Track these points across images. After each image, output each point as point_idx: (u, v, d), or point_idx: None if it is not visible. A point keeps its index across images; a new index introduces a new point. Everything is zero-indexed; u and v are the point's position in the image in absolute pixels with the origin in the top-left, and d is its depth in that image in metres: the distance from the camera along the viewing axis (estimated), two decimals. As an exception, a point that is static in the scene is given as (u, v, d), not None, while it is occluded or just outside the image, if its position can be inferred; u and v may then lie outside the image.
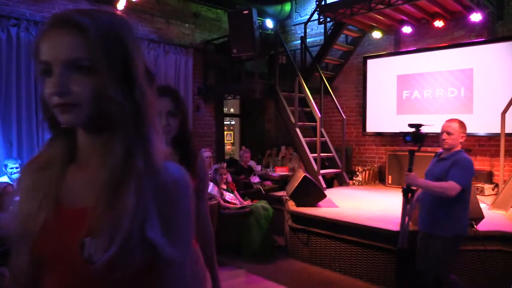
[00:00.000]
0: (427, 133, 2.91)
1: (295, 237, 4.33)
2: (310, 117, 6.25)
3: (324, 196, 4.46)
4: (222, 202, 4.52)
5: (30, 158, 0.80)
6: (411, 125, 2.88)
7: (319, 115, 5.78)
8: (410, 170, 2.79)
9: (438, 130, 2.85)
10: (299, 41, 6.98)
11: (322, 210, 4.23)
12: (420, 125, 2.85)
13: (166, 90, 1.54)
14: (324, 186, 5.43)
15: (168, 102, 1.49)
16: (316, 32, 7.37)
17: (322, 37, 6.74)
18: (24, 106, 5.01)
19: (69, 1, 5.37)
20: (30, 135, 5.08)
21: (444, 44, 5.78)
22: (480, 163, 5.55)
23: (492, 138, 5.34)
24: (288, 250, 4.41)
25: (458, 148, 2.76)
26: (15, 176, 4.15)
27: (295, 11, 7.91)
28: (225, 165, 5.20)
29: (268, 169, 6.65)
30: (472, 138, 5.53)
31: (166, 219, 0.71)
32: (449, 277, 2.77)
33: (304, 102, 6.12)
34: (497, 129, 4.70)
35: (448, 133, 2.74)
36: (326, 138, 6.21)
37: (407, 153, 2.92)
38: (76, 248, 0.67)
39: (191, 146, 1.58)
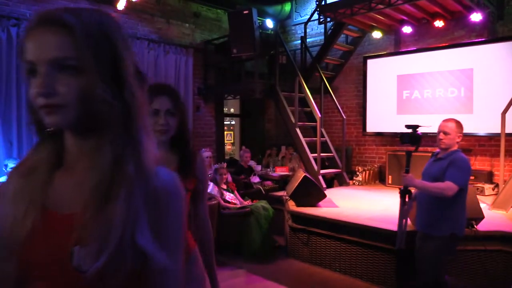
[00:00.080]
0: (425, 133, 2.91)
1: (295, 237, 4.33)
2: (310, 117, 6.25)
3: (324, 196, 4.46)
4: (222, 202, 4.52)
5: (17, 163, 0.77)
6: (408, 126, 2.89)
7: (319, 115, 5.77)
8: (407, 171, 2.80)
9: (436, 130, 2.85)
10: (299, 41, 6.98)
11: (322, 210, 4.23)
12: (417, 126, 2.86)
13: (165, 89, 1.51)
14: (324, 186, 5.43)
15: (167, 101, 1.47)
16: (316, 32, 7.37)
17: (322, 37, 6.74)
18: (24, 106, 5.00)
19: (69, 1, 5.36)
20: (30, 135, 5.08)
21: (444, 44, 5.77)
22: (480, 163, 5.55)
23: (492, 138, 5.34)
24: (288, 250, 4.41)
25: (455, 148, 2.76)
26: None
27: (295, 11, 7.91)
28: (225, 165, 5.20)
29: (268, 169, 6.65)
30: (472, 138, 5.53)
31: (156, 226, 0.69)
32: (443, 277, 2.78)
33: (304, 102, 6.12)
34: (497, 129, 4.70)
35: (445, 133, 2.73)
36: (326, 138, 6.21)
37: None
38: (64, 257, 0.65)
39: (190, 146, 1.56)
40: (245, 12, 5.88)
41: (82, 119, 0.68)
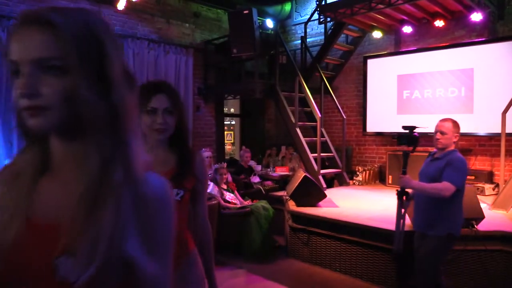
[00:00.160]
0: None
1: (295, 237, 4.32)
2: (310, 117, 6.25)
3: (324, 196, 4.46)
4: (222, 202, 4.52)
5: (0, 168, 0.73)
6: (405, 127, 2.89)
7: (319, 115, 5.77)
8: (404, 172, 2.79)
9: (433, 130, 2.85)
10: (299, 41, 6.97)
11: (322, 210, 4.23)
12: (414, 127, 2.86)
13: (162, 86, 1.48)
14: (325, 186, 5.42)
15: (165, 99, 1.44)
16: (316, 32, 7.36)
17: (322, 37, 6.74)
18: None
19: (69, 1, 5.36)
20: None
21: (444, 44, 5.77)
22: (480, 163, 5.55)
23: (493, 138, 5.33)
24: (288, 250, 4.41)
25: (452, 147, 2.76)
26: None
27: (295, 11, 7.91)
28: (225, 165, 5.20)
29: (268, 169, 6.65)
30: (473, 138, 5.53)
31: (145, 233, 0.66)
32: (440, 278, 2.78)
33: (304, 102, 6.11)
34: (497, 129, 4.70)
35: (442, 133, 2.73)
36: (327, 138, 6.21)
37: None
38: (50, 267, 0.62)
39: (189, 145, 1.53)
40: (245, 12, 5.88)
41: (67, 122, 0.65)
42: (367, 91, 6.58)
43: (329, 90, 6.22)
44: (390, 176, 5.98)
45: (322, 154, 5.80)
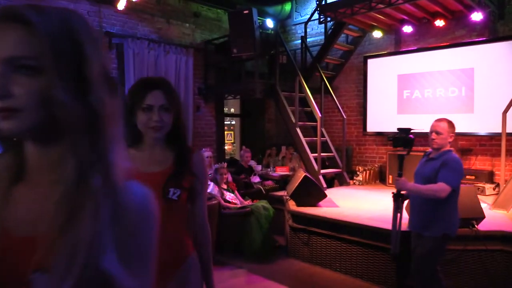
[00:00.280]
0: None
1: (295, 237, 4.32)
2: (311, 117, 6.24)
3: (325, 196, 4.46)
4: (222, 202, 4.52)
5: None
6: (400, 130, 2.89)
7: (320, 115, 5.77)
8: (400, 175, 2.80)
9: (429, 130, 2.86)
10: (300, 41, 6.97)
11: (322, 210, 4.23)
12: (409, 130, 2.86)
13: (158, 82, 1.42)
14: (325, 186, 5.42)
15: (160, 95, 1.38)
16: (316, 32, 7.36)
17: (323, 37, 6.73)
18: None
19: (69, 1, 5.36)
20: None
21: (445, 44, 5.77)
22: (481, 163, 5.54)
23: (493, 138, 5.33)
24: (288, 250, 4.41)
25: (447, 148, 2.76)
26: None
27: (295, 11, 7.91)
28: (225, 165, 5.20)
29: (269, 169, 6.65)
30: (473, 137, 5.53)
31: (124, 247, 0.62)
32: (439, 277, 2.79)
33: (304, 101, 6.11)
34: (498, 129, 4.69)
35: (437, 133, 2.73)
36: (327, 137, 6.21)
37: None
38: (24, 283, 0.58)
39: (187, 143, 1.48)
40: (245, 12, 5.88)
41: (42, 124, 0.61)
42: (367, 91, 6.57)
43: (329, 90, 6.21)
44: (390, 176, 5.97)
45: (322, 154, 5.80)
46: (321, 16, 6.04)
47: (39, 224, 0.59)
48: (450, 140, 2.75)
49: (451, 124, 2.76)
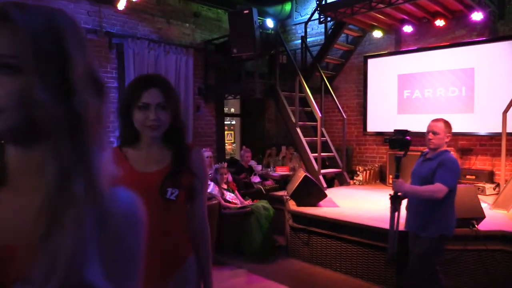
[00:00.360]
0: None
1: (295, 236, 4.32)
2: (311, 116, 6.24)
3: (325, 195, 4.46)
4: (222, 202, 4.52)
5: None
6: (397, 131, 2.89)
7: (320, 115, 5.77)
8: (397, 176, 2.80)
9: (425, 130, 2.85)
10: (300, 41, 6.97)
11: (322, 210, 4.23)
12: (406, 131, 2.86)
13: (154, 80, 1.39)
14: (325, 185, 5.42)
15: (157, 93, 1.35)
16: (316, 32, 7.36)
17: (323, 37, 6.74)
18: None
19: (69, 1, 5.36)
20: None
21: (445, 43, 5.77)
22: (481, 163, 5.54)
23: (493, 138, 5.32)
24: (288, 250, 4.41)
25: (444, 148, 2.76)
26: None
27: (296, 11, 7.91)
28: (225, 164, 5.19)
29: (269, 169, 6.65)
30: (473, 137, 5.53)
31: (111, 254, 0.60)
32: (438, 277, 2.79)
33: (304, 101, 6.11)
34: (498, 129, 4.69)
35: (434, 133, 2.73)
36: (327, 137, 6.21)
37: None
38: None
39: (185, 141, 1.45)
40: (245, 12, 5.88)
41: (23, 128, 0.58)
42: (368, 90, 6.57)
43: (329, 90, 6.21)
44: (390, 176, 5.96)
45: (322, 154, 5.80)
46: (321, 16, 6.04)
47: (20, 232, 0.57)
48: (447, 140, 2.75)
49: (447, 124, 2.77)
